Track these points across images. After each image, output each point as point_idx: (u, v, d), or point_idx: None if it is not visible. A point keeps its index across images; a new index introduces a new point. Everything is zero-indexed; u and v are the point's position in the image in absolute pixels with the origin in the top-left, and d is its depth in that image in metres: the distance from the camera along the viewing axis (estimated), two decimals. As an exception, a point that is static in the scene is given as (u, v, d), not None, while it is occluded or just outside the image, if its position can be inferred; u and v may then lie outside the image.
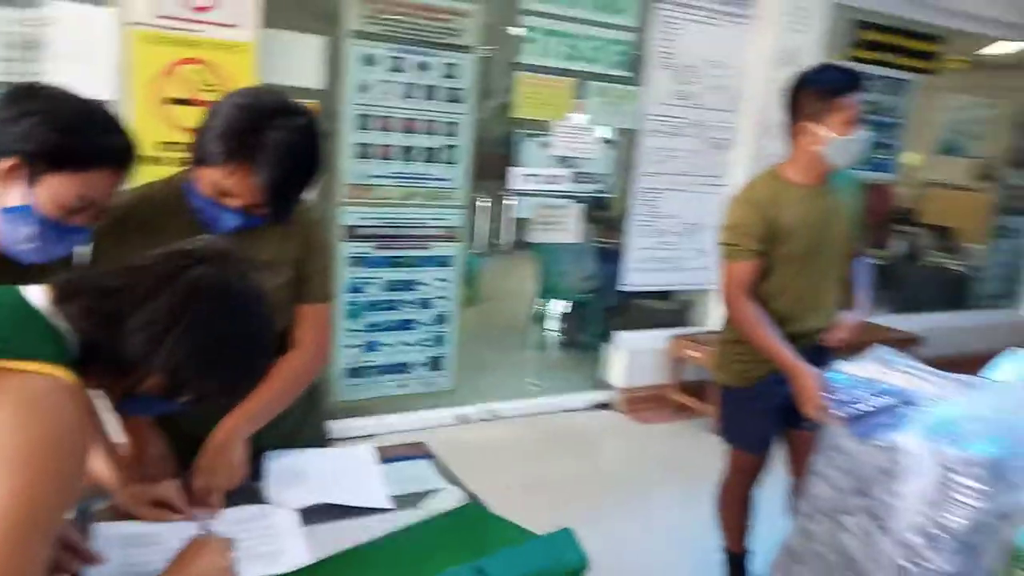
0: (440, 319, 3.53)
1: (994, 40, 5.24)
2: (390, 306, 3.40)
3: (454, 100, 3.31)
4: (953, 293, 5.78)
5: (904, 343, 4.13)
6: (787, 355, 1.94)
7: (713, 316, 4.10)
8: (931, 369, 1.88)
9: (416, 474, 1.54)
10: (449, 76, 3.27)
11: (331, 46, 3.02)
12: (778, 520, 2.17)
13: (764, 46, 3.95)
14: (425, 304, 3.47)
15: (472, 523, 1.37)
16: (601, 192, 3.86)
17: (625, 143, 3.89)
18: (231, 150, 1.21)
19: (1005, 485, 1.59)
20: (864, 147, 2.00)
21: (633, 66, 3.72)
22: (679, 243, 4.04)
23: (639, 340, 4.09)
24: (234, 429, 1.34)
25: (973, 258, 5.95)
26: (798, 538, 1.95)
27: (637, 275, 3.96)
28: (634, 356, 4.04)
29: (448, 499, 1.44)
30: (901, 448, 1.66)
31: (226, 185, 1.23)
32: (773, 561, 2.03)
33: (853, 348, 2.06)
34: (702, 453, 3.46)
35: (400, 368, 3.48)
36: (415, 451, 1.64)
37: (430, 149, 3.31)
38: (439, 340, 3.55)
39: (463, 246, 3.53)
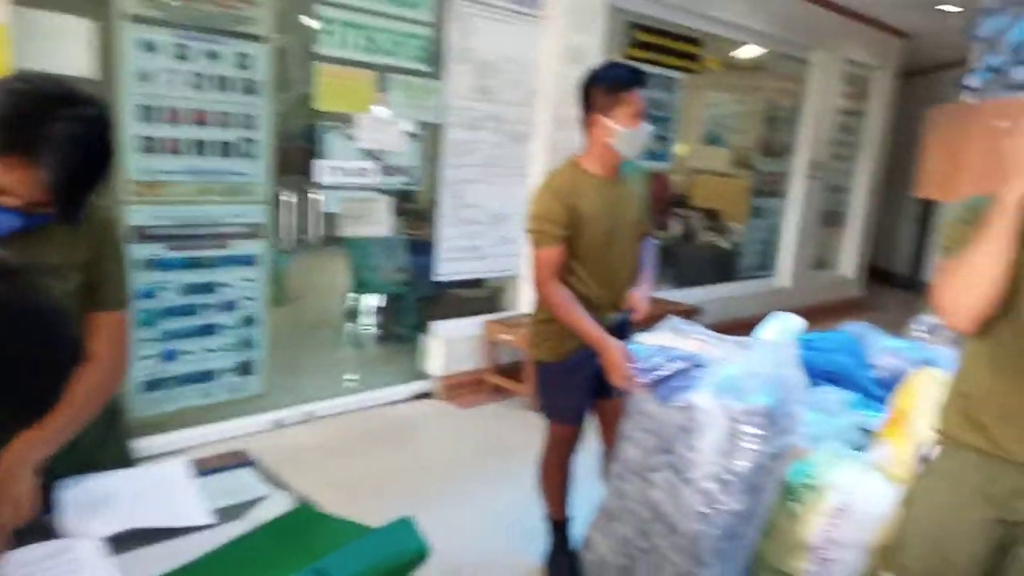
0: (247, 321, 3.34)
1: (744, 44, 6.00)
2: (189, 311, 3.15)
3: (250, 91, 3.13)
4: (723, 267, 6.55)
5: (687, 313, 4.61)
6: (594, 331, 2.10)
7: (523, 300, 4.30)
8: (715, 334, 2.13)
9: (238, 484, 1.46)
10: (242, 66, 3.09)
11: (103, 30, 2.72)
12: (593, 485, 2.35)
13: (553, 44, 4.18)
14: (230, 307, 3.27)
15: (306, 525, 1.33)
16: (408, 185, 3.87)
17: (429, 136, 3.93)
18: (7, 142, 1.07)
19: (778, 430, 1.86)
20: (648, 138, 2.21)
21: (433, 60, 3.77)
22: (487, 232, 4.17)
23: (455, 328, 4.18)
24: (19, 458, 1.18)
25: (736, 236, 6.78)
26: (612, 498, 2.12)
27: (449, 265, 4.03)
28: (451, 344, 4.12)
29: (277, 505, 1.38)
30: (696, 406, 1.87)
31: (2, 182, 1.09)
32: (591, 522, 2.19)
33: (648, 320, 2.29)
34: (520, 430, 3.64)
35: (205, 376, 3.25)
36: (234, 460, 1.56)
37: (226, 143, 3.10)
38: (247, 343, 3.37)
39: (268, 243, 3.37)
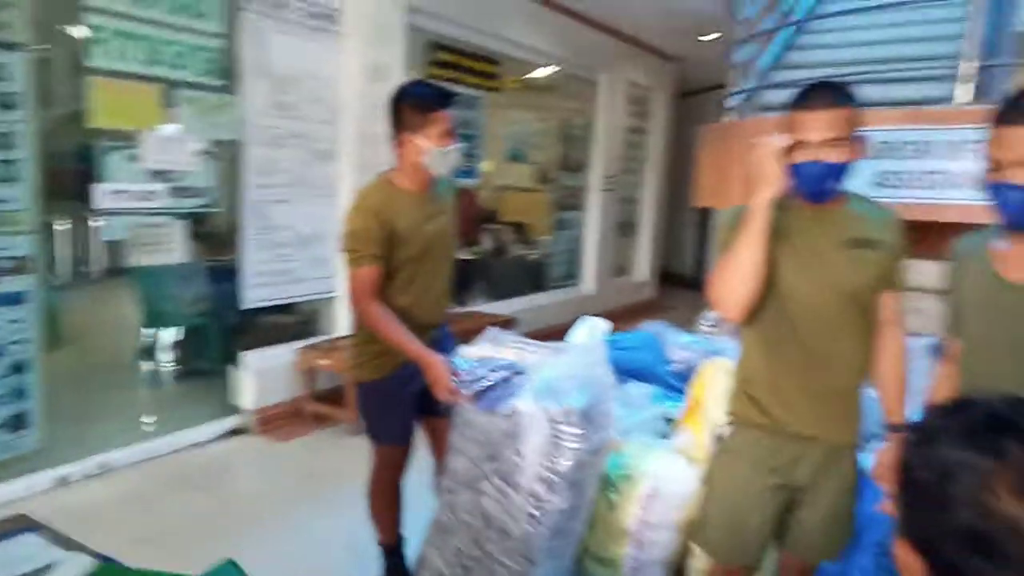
0: (17, 368, 2.92)
1: (538, 66, 6.34)
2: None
3: (6, 106, 2.76)
4: (533, 278, 6.84)
5: (504, 324, 4.76)
6: (416, 347, 2.10)
7: (340, 322, 4.18)
8: (531, 341, 2.23)
9: (24, 552, 1.29)
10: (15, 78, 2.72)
11: None
12: (427, 502, 2.34)
13: (354, 61, 4.14)
14: (-6, 353, 2.84)
15: None
16: (206, 207, 3.61)
17: (227, 155, 3.70)
18: None
19: (595, 426, 1.98)
20: (459, 156, 2.26)
21: (226, 74, 3.57)
22: (297, 255, 4.01)
23: (267, 357, 3.96)
24: None
25: (543, 248, 7.12)
26: (445, 512, 2.13)
27: (257, 291, 3.81)
28: (263, 374, 3.90)
29: (72, 569, 1.23)
30: (518, 412, 1.94)
31: None
32: (425, 539, 2.18)
33: (468, 333, 2.33)
34: (346, 457, 3.52)
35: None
36: (16, 525, 1.37)
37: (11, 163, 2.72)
38: (18, 393, 2.95)
39: (38, 278, 2.98)
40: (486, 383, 2.04)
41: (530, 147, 7.33)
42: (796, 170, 1.53)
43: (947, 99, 2.96)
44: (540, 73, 6.52)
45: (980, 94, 2.91)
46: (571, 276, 7.15)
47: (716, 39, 6.35)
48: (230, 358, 3.93)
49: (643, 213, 8.12)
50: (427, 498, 2.37)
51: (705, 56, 7.16)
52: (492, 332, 2.23)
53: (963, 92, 2.91)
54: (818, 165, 1.51)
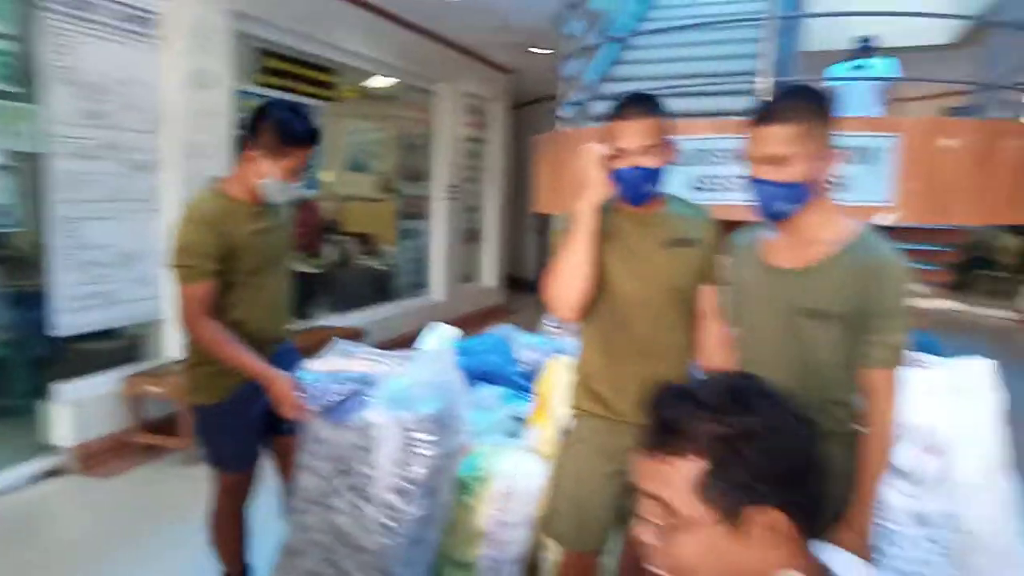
0: None
1: (375, 75, 6.28)
2: None
3: None
4: (381, 288, 6.75)
5: (352, 336, 4.66)
6: (257, 365, 2.01)
7: (170, 345, 3.89)
8: (381, 351, 2.21)
9: None
10: None
11: None
12: (273, 527, 2.25)
13: (176, 67, 3.88)
14: None
15: None
16: (3, 227, 3.23)
17: (30, 169, 3.33)
18: None
19: (448, 431, 2.00)
20: (291, 194, 2.14)
21: (23, 81, 3.21)
22: (116, 275, 3.68)
23: (87, 388, 3.60)
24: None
25: (390, 257, 7.05)
26: (295, 534, 2.06)
27: (70, 317, 3.46)
28: (83, 407, 3.54)
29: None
30: (370, 423, 1.92)
31: None
32: (274, 565, 2.09)
33: (314, 347, 2.27)
34: (182, 489, 3.29)
35: None
36: None
37: None
38: None
39: None
40: (335, 397, 1.99)
41: (371, 157, 7.25)
42: (617, 175, 1.66)
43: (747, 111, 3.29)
44: (378, 83, 6.46)
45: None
46: (419, 285, 7.15)
47: (548, 53, 6.63)
48: (41, 392, 3.53)
49: (487, 221, 8.28)
50: (274, 523, 2.27)
51: (539, 68, 7.44)
52: (339, 344, 2.19)
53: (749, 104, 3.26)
54: (635, 170, 1.64)
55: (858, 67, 4.62)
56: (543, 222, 9.31)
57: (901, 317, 1.48)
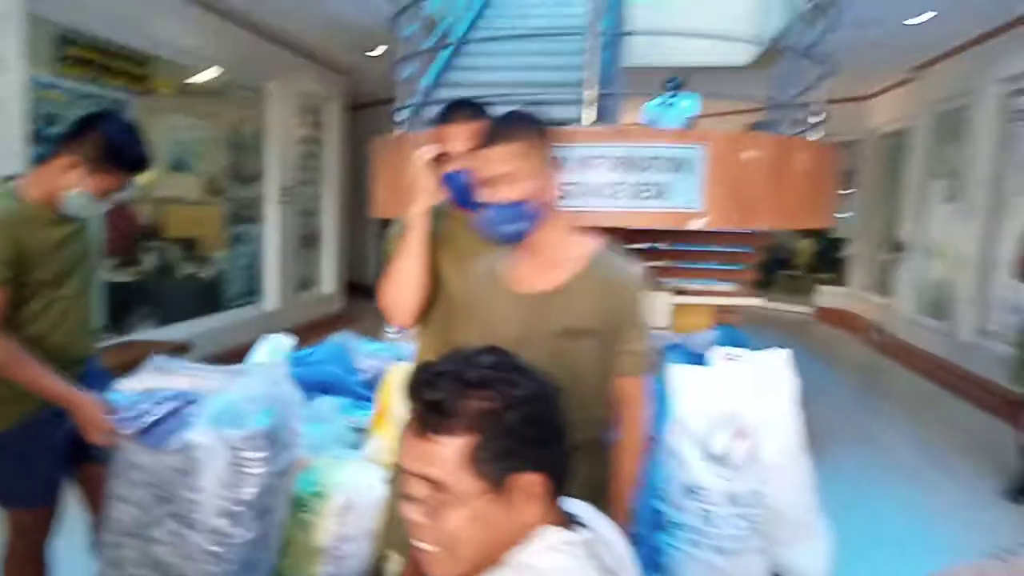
0: None
1: (198, 69, 5.88)
2: None
3: None
4: (208, 298, 6.31)
5: (176, 350, 4.32)
6: (60, 386, 1.81)
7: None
8: (206, 366, 2.07)
9: None
10: None
11: None
12: (81, 564, 2.03)
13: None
14: None
15: None
16: None
17: None
18: None
19: (281, 447, 1.91)
20: (94, 213, 1.96)
21: None
22: None
23: None
24: None
25: (218, 264, 6.62)
26: (108, 570, 1.88)
27: None
28: None
29: None
30: (193, 444, 1.78)
31: None
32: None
33: (129, 364, 2.08)
34: None
35: None
36: None
37: None
38: None
39: None
40: (151, 417, 1.84)
41: (195, 157, 6.77)
42: (445, 179, 1.68)
43: (576, 120, 3.45)
44: (201, 77, 6.05)
45: (599, 117, 3.46)
46: (251, 293, 6.77)
47: (383, 54, 6.55)
48: None
49: (325, 225, 8.02)
50: (82, 560, 2.05)
51: (377, 70, 7.33)
52: (157, 360, 2.02)
53: (587, 115, 3.42)
54: (462, 173, 1.66)
55: (668, 103, 5.35)
56: (384, 227, 9.18)
57: (643, 327, 1.56)
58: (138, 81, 4.95)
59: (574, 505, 0.98)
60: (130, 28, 4.72)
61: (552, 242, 1.54)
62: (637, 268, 1.58)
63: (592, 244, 1.58)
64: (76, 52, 4.40)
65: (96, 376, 2.02)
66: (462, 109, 1.70)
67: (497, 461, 0.87)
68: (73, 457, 1.98)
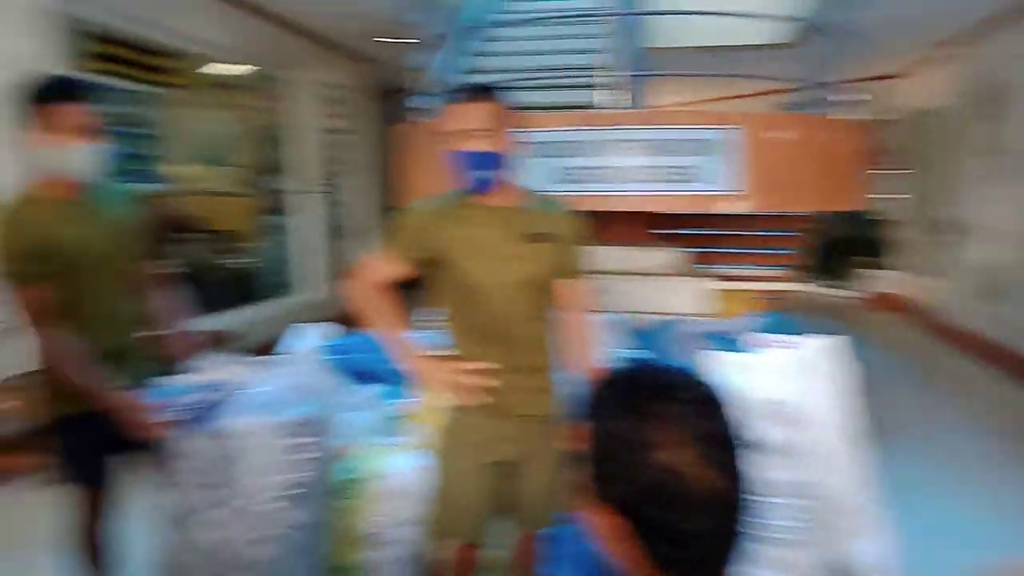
0: None
1: (225, 62, 5.93)
2: None
3: None
4: (247, 289, 6.39)
5: (217, 341, 4.39)
6: (102, 391, 1.86)
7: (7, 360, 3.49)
8: (250, 357, 2.10)
9: None
10: None
11: None
12: (146, 544, 2.09)
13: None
14: None
15: None
16: None
17: None
18: None
19: (323, 434, 1.95)
20: (94, 157, 1.92)
21: None
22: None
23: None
24: None
25: (257, 255, 6.69)
26: (170, 554, 1.92)
27: None
28: None
29: None
30: (238, 432, 1.82)
31: None
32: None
33: (181, 355, 2.12)
34: (34, 513, 2.96)
35: None
36: None
37: None
38: None
39: None
40: (197, 407, 1.88)
41: (228, 149, 6.84)
42: (457, 158, 1.69)
43: (603, 103, 3.41)
44: (231, 71, 6.11)
45: (630, 100, 3.42)
46: (289, 284, 6.84)
47: (408, 41, 6.52)
48: None
49: (360, 214, 8.03)
50: (146, 541, 2.10)
51: (403, 57, 7.30)
52: (204, 351, 2.06)
53: (616, 98, 3.38)
54: (474, 153, 1.67)
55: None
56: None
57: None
58: (165, 74, 5.01)
59: None
60: (160, 25, 4.77)
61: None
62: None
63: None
64: (109, 50, 4.46)
65: (141, 366, 2.05)
66: (475, 90, 1.73)
67: None
68: (123, 445, 2.02)
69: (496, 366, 1.77)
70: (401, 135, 3.97)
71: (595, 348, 1.91)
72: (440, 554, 1.94)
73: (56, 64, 3.85)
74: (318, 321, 2.95)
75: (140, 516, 2.19)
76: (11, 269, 1.81)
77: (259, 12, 5.80)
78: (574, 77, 4.18)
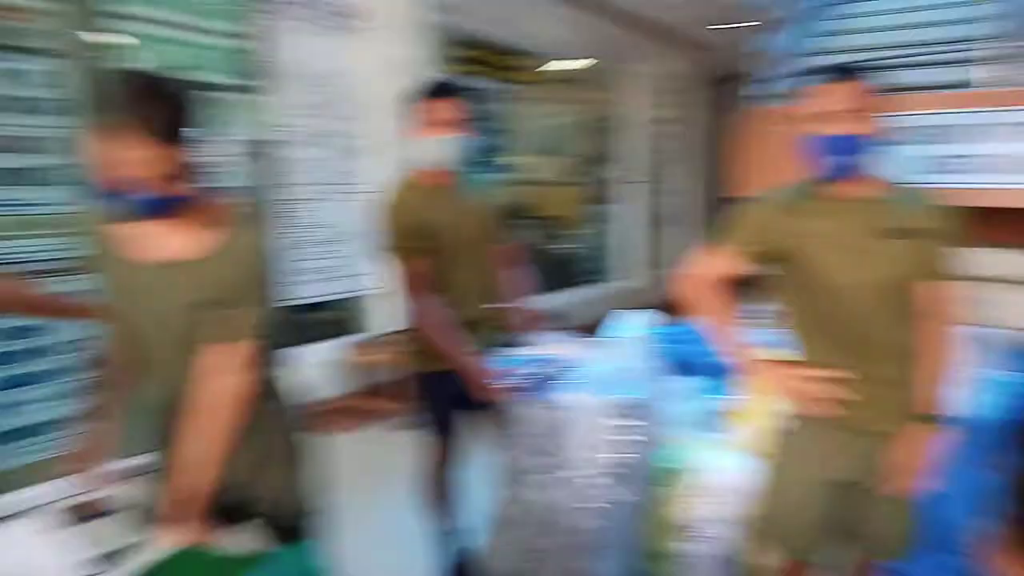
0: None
1: (565, 58, 6.29)
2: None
3: (60, 112, 2.83)
4: (575, 272, 6.79)
5: (554, 319, 4.71)
6: (458, 354, 2.10)
7: (379, 319, 4.19)
8: (582, 336, 2.22)
9: (115, 530, 1.40)
10: (50, 85, 2.81)
11: None
12: (487, 495, 2.32)
13: (379, 58, 4.14)
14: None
15: (200, 563, 1.25)
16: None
17: (259, 156, 3.75)
18: None
19: (649, 420, 1.98)
20: (459, 149, 2.15)
21: (250, 75, 3.61)
22: (332, 252, 4.04)
23: (309, 355, 3.98)
24: None
25: (585, 241, 7.07)
26: (508, 506, 2.13)
27: (295, 289, 3.83)
28: (307, 372, 3.92)
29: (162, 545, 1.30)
30: (577, 406, 1.94)
31: None
32: (491, 530, 2.19)
33: (521, 329, 2.33)
34: (397, 451, 3.50)
35: (42, 428, 2.90)
36: (106, 506, 1.45)
37: (44, 169, 2.82)
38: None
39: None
40: (537, 378, 2.04)
41: (561, 140, 7.29)
42: (817, 143, 1.53)
43: (964, 83, 2.89)
44: (567, 66, 6.47)
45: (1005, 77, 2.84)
46: (614, 270, 7.08)
47: (742, 27, 6.24)
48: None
49: (687, 203, 7.96)
50: (486, 492, 2.34)
51: (735, 44, 7.03)
52: (542, 326, 2.24)
53: (995, 75, 2.83)
54: (835, 136, 1.50)
55: None
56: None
57: None
58: (516, 74, 5.48)
59: None
60: (512, 26, 5.23)
61: None
62: None
63: None
64: (471, 53, 5.03)
65: (490, 336, 2.28)
66: (839, 70, 1.57)
67: None
68: (471, 404, 2.25)
69: (850, 375, 1.61)
70: (738, 122, 3.83)
71: (951, 366, 1.63)
72: (764, 561, 1.85)
73: (432, 67, 4.47)
74: (638, 308, 3.00)
75: (480, 468, 2.44)
76: (396, 244, 2.14)
77: (598, 7, 6.03)
78: (946, 52, 3.60)
